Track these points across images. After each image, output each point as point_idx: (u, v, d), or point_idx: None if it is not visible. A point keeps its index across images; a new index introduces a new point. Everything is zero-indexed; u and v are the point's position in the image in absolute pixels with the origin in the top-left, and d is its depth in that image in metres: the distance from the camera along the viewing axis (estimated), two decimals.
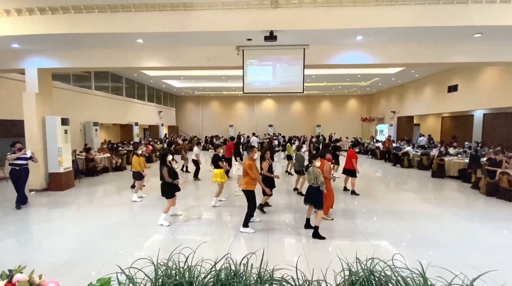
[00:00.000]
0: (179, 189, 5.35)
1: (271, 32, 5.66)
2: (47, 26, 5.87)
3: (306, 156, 8.00)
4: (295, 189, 7.57)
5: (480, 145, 11.75)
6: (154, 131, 20.75)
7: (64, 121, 7.87)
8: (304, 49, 6.70)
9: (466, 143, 12.86)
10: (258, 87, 7.06)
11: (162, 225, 5.03)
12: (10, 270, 1.48)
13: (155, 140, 16.96)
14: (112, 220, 5.41)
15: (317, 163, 4.66)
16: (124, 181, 9.26)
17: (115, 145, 12.53)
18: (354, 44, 6.71)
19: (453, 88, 13.93)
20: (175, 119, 24.67)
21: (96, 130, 13.08)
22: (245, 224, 4.80)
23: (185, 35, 6.19)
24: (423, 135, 15.57)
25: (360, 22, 5.58)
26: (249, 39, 6.35)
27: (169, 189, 5.17)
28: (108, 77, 14.99)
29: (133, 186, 8.05)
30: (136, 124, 17.07)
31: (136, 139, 16.55)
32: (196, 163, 9.30)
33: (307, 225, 4.86)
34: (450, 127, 16.97)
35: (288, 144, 10.96)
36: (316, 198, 4.52)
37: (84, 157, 9.93)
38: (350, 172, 7.24)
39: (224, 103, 24.98)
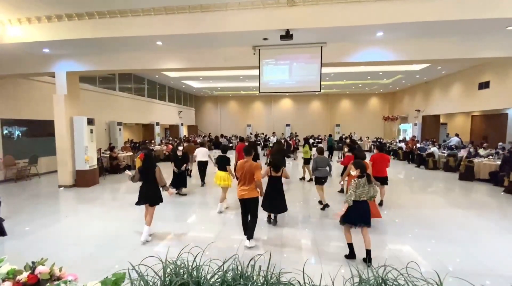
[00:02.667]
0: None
1: (287, 31, 5.60)
2: (74, 31, 6.22)
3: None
4: (320, 202, 6.14)
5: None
6: (174, 131, 21.33)
7: (90, 121, 8.30)
8: (321, 47, 6.57)
9: (500, 143, 11.97)
10: (274, 87, 7.02)
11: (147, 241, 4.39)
12: (33, 262, 1.58)
13: (175, 139, 17.43)
14: (133, 216, 5.62)
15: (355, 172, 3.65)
16: None
17: (137, 144, 13.02)
18: (373, 40, 6.47)
19: (484, 85, 13.03)
20: (195, 119, 25.19)
21: (119, 129, 13.68)
22: (251, 235, 4.16)
23: (202, 37, 6.30)
24: (454, 135, 14.68)
25: (380, 18, 5.37)
26: (265, 39, 6.34)
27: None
28: (131, 79, 15.61)
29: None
30: (158, 123, 17.63)
31: (157, 139, 17.10)
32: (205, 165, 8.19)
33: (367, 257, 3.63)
34: (481, 127, 15.89)
35: (307, 145, 9.23)
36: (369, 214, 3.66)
37: (108, 156, 10.42)
38: (381, 180, 5.92)
39: (241, 102, 25.12)
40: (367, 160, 5.44)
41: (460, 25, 5.56)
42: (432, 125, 18.05)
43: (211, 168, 7.67)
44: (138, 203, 4.48)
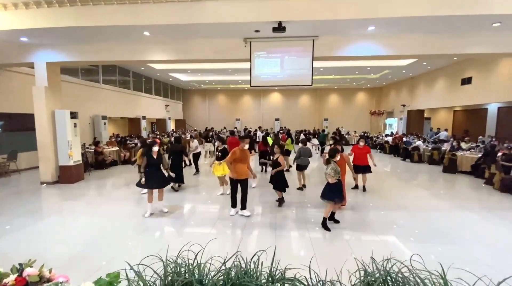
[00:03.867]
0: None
1: (280, 23, 5.52)
2: (54, 19, 5.86)
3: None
4: (301, 188, 7.07)
5: (494, 139, 11.38)
6: (162, 125, 20.87)
7: (74, 115, 7.95)
8: (313, 40, 6.53)
9: (480, 137, 12.48)
10: (265, 80, 6.95)
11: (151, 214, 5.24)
12: (20, 264, 1.47)
13: (162, 134, 17.06)
14: (122, 213, 5.46)
15: (338, 158, 4.81)
16: (132, 174, 9.35)
17: (123, 139, 12.65)
18: (365, 35, 6.50)
19: (467, 81, 13.48)
20: (182, 112, 24.73)
21: (104, 123, 13.23)
22: (243, 206, 5.22)
23: (191, 27, 6.10)
24: (444, 130, 15.14)
25: (373, 12, 5.38)
26: (257, 31, 6.22)
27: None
28: (115, 71, 15.05)
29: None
30: (144, 117, 17.18)
31: (144, 133, 16.68)
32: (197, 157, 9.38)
33: (333, 218, 4.86)
34: (462, 121, 16.50)
35: (289, 139, 10.08)
36: (339, 192, 4.62)
37: (93, 151, 10.06)
38: (363, 168, 6.82)
39: (230, 96, 24.87)
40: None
41: (450, 21, 5.66)
42: (417, 120, 18.57)
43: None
44: (150, 187, 5.19)
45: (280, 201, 5.80)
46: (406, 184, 8.28)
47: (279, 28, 5.52)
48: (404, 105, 19.05)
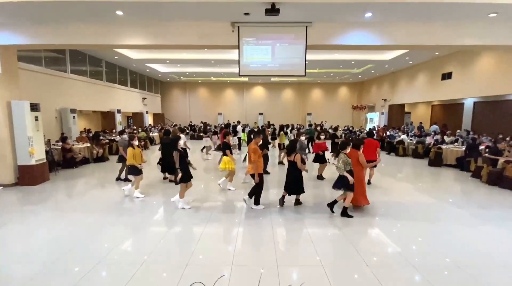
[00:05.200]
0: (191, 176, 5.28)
1: (273, 4, 4.97)
2: None
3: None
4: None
5: (471, 133, 11.71)
6: (139, 119, 19.61)
7: (34, 107, 6.92)
8: (306, 27, 6.06)
9: (458, 131, 12.84)
10: (255, 69, 6.40)
11: (184, 208, 5.17)
12: None
13: (138, 128, 15.97)
14: (92, 219, 4.74)
15: (348, 150, 4.84)
16: (107, 173, 8.48)
17: (96, 134, 11.54)
18: (360, 22, 6.12)
19: (447, 76, 13.76)
20: (161, 106, 23.51)
21: (74, 117, 11.99)
22: (257, 202, 5.16)
23: (171, 7, 5.38)
24: (433, 123, 15.19)
25: None
26: (247, 14, 5.63)
27: (186, 174, 5.05)
28: (86, 60, 13.71)
29: (118, 179, 7.31)
30: (119, 111, 15.95)
31: (120, 127, 15.49)
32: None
33: (331, 205, 4.96)
34: (440, 115, 17.00)
35: (282, 132, 10.47)
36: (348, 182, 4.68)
37: (60, 147, 9.00)
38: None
39: (212, 90, 24.00)
40: None
41: (446, 10, 5.43)
42: (398, 114, 18.92)
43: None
44: (189, 180, 5.14)
45: (281, 202, 5.36)
46: (394, 177, 8.18)
47: (273, 10, 4.98)
48: (385, 100, 19.33)
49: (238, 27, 6.08)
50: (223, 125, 16.06)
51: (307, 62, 6.37)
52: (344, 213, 4.77)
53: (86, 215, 4.95)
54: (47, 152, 7.73)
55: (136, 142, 6.03)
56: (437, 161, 9.56)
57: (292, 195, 5.30)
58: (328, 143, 9.11)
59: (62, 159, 8.96)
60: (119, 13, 5.64)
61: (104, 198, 5.93)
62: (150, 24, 6.21)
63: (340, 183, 4.72)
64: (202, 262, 3.34)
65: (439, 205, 5.51)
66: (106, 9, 5.50)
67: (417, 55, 13.88)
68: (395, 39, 6.26)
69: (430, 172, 8.90)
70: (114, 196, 6.02)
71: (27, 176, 6.80)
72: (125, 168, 7.18)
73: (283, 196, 5.33)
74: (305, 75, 6.38)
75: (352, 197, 4.73)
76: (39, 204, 5.65)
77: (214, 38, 6.25)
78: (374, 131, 15.43)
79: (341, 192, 4.85)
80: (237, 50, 6.27)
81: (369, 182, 6.89)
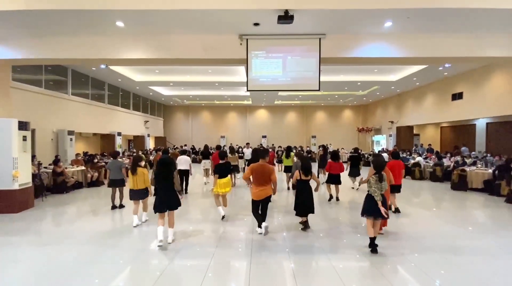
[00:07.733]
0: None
1: (286, 11, 4.56)
2: None
3: None
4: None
5: (488, 155, 10.99)
6: (139, 142, 19.10)
7: (23, 125, 6.35)
8: (319, 39, 5.66)
9: (473, 153, 12.12)
10: (265, 84, 5.90)
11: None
12: None
13: (139, 151, 15.38)
14: (76, 253, 3.92)
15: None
16: (101, 199, 7.69)
17: (91, 157, 10.90)
18: (378, 34, 5.73)
19: (457, 96, 13.36)
20: (163, 129, 23.16)
21: (71, 139, 11.45)
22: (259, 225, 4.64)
23: (175, 17, 5.01)
24: (425, 146, 14.69)
25: (390, 2, 4.60)
26: (256, 24, 5.24)
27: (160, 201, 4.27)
28: (88, 83, 13.51)
29: (113, 208, 6.42)
30: (119, 134, 15.47)
31: (119, 150, 14.90)
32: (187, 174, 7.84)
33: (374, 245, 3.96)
34: (450, 137, 16.40)
35: (292, 152, 8.99)
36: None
37: (51, 171, 8.31)
38: (396, 188, 5.74)
39: (215, 113, 23.82)
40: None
41: (470, 18, 5.03)
42: (407, 136, 18.33)
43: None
44: (160, 211, 4.20)
45: (306, 225, 4.87)
46: (419, 204, 7.31)
47: (286, 17, 4.57)
48: (392, 122, 18.87)
49: (247, 39, 5.69)
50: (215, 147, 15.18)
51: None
52: (373, 245, 3.90)
53: (69, 247, 4.14)
54: (35, 175, 7.04)
55: (142, 163, 5.42)
56: (461, 184, 8.73)
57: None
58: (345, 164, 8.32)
59: (51, 183, 8.22)
60: (120, 24, 5.27)
61: (93, 228, 5.11)
62: (151, 37, 5.85)
63: (376, 209, 3.85)
64: None
65: (489, 241, 4.64)
66: (106, 20, 5.15)
67: (425, 76, 13.62)
68: (414, 51, 5.82)
69: (456, 197, 8.03)
70: (105, 226, 5.21)
71: (6, 203, 6.00)
72: (120, 193, 6.43)
73: (305, 221, 4.85)
74: (319, 90, 5.85)
75: (372, 224, 3.98)
76: (17, 235, 4.84)
77: (220, 51, 5.84)
78: (386, 154, 14.82)
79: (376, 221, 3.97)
80: (244, 65, 5.84)
81: (397, 210, 5.90)
